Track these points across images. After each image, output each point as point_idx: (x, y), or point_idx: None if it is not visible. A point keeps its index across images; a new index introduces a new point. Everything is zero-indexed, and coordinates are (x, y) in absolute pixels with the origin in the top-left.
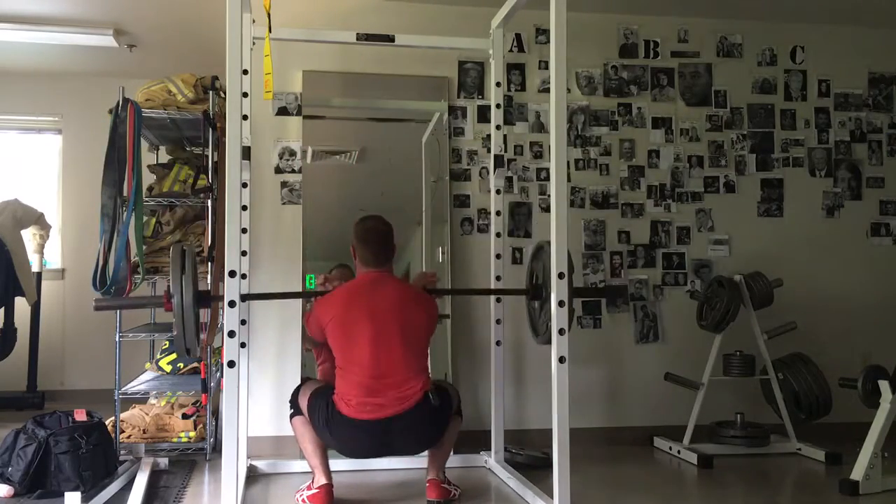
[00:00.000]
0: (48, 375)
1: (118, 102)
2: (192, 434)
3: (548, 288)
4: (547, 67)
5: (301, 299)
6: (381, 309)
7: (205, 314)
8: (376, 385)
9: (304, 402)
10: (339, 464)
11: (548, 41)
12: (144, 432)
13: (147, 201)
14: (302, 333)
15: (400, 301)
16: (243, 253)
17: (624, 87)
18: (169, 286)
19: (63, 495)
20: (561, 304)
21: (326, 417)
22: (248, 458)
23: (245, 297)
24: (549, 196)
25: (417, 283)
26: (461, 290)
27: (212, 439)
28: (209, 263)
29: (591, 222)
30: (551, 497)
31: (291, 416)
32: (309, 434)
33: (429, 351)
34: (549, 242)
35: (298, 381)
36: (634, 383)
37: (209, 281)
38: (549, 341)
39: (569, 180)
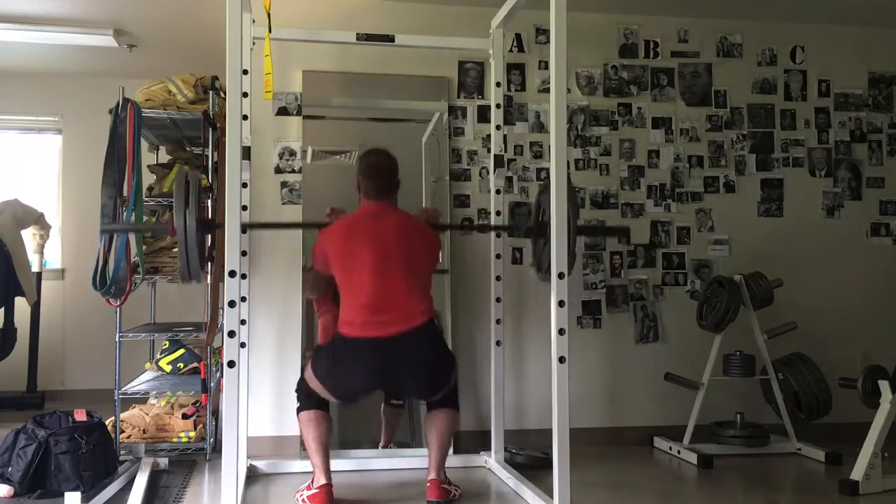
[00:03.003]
0: (48, 375)
1: (118, 102)
2: (192, 434)
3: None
4: (547, 67)
5: (300, 303)
6: (383, 237)
7: (205, 311)
8: (380, 306)
9: (308, 371)
10: (339, 464)
11: (548, 41)
12: (144, 432)
13: (147, 201)
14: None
15: (402, 231)
16: (243, 253)
17: (624, 87)
18: (173, 213)
19: (63, 495)
20: (561, 304)
21: (332, 352)
22: (248, 458)
23: (246, 227)
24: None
25: (420, 217)
26: (461, 226)
27: (212, 439)
28: (209, 263)
29: (591, 222)
30: (551, 497)
31: (298, 410)
32: (314, 431)
33: (431, 283)
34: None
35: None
36: (634, 383)
37: (209, 281)
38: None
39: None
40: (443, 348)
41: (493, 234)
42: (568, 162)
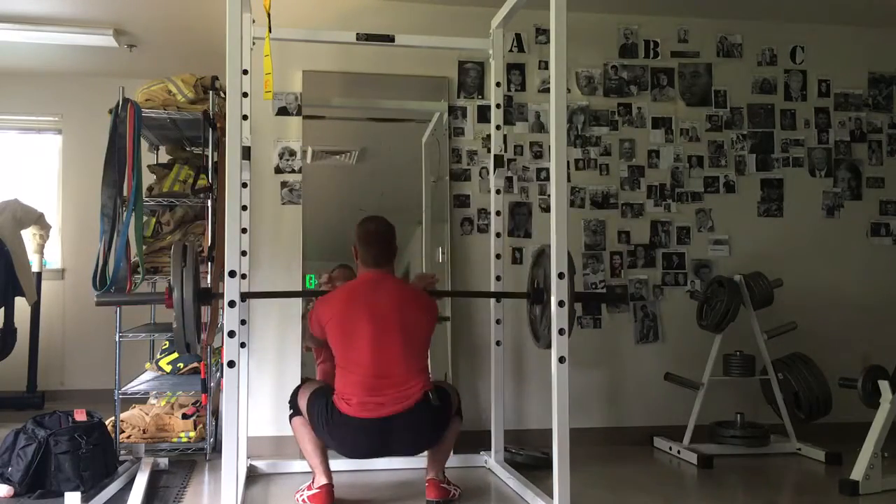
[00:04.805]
0: (48, 375)
1: (118, 102)
2: (192, 434)
3: (549, 292)
4: (547, 67)
5: (300, 303)
6: (381, 309)
7: (205, 313)
8: (376, 384)
9: (303, 403)
10: (339, 464)
11: (548, 41)
12: (144, 432)
13: (147, 201)
14: (302, 333)
15: (400, 301)
16: (243, 253)
17: (624, 87)
18: (170, 282)
19: (63, 495)
20: (561, 304)
21: (326, 418)
22: (248, 458)
23: (245, 296)
24: (549, 196)
25: (417, 284)
26: (462, 292)
27: (212, 439)
28: (209, 263)
29: (591, 222)
30: (551, 497)
31: (291, 417)
32: (308, 434)
33: (429, 352)
34: (549, 246)
35: (298, 382)
36: (634, 383)
37: (209, 280)
38: (549, 346)
39: (569, 180)
40: (437, 420)
41: (493, 234)
42: (568, 162)
